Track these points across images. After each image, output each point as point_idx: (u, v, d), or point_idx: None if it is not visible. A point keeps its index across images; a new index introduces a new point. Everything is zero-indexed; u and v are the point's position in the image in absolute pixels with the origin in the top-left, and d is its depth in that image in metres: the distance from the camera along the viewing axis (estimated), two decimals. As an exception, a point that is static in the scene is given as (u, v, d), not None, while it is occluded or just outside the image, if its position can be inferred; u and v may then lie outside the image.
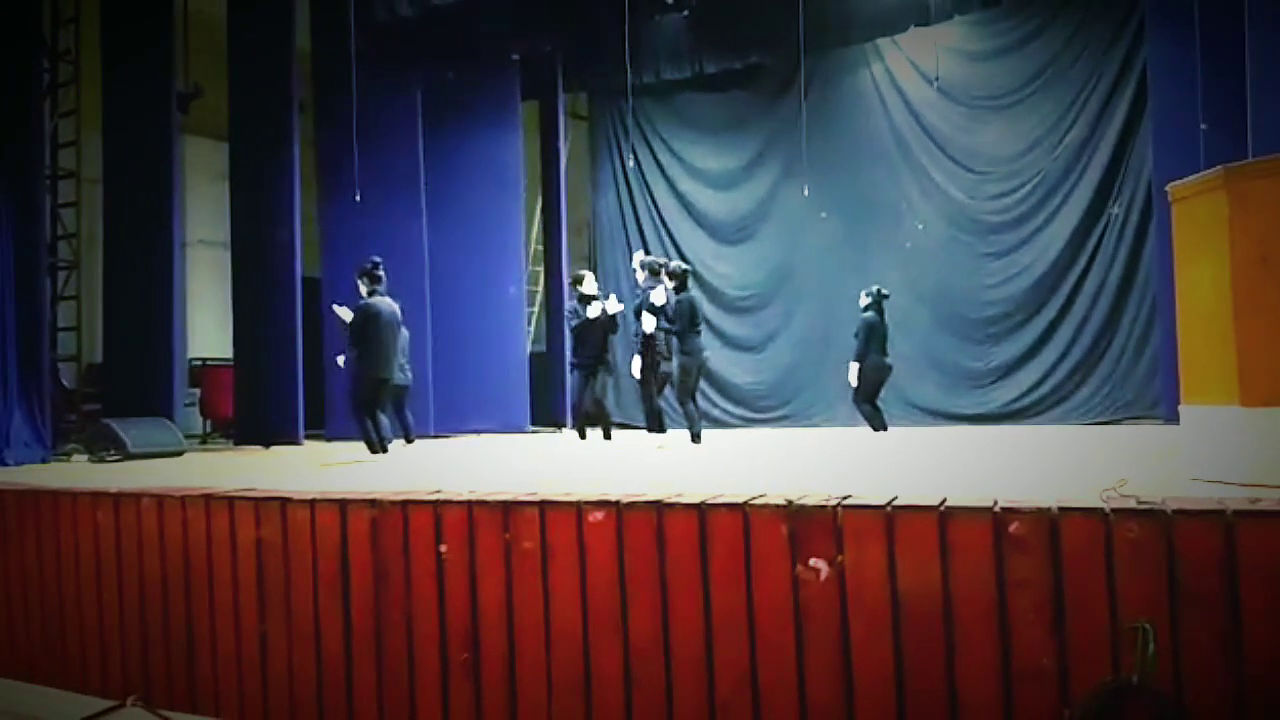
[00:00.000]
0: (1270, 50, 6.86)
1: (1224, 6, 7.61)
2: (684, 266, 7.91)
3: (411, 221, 10.56)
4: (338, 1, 9.63)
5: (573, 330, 8.13)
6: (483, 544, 3.46)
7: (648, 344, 7.77)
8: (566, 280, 11.81)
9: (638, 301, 7.98)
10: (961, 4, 10.29)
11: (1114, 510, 2.68)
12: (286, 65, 10.03)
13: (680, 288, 7.61)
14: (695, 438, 7.57)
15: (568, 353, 9.06)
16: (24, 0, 8.43)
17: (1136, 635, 2.56)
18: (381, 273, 7.30)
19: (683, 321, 7.49)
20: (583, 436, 8.30)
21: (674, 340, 7.64)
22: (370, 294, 7.23)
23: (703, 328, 7.97)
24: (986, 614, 2.75)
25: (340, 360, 7.54)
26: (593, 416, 8.29)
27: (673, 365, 7.77)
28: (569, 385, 8.45)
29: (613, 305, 8.02)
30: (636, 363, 7.85)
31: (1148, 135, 9.50)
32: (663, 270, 7.92)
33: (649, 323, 7.64)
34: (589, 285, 8.23)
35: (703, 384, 8.26)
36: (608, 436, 8.26)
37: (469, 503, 3.50)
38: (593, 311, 7.91)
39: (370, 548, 3.66)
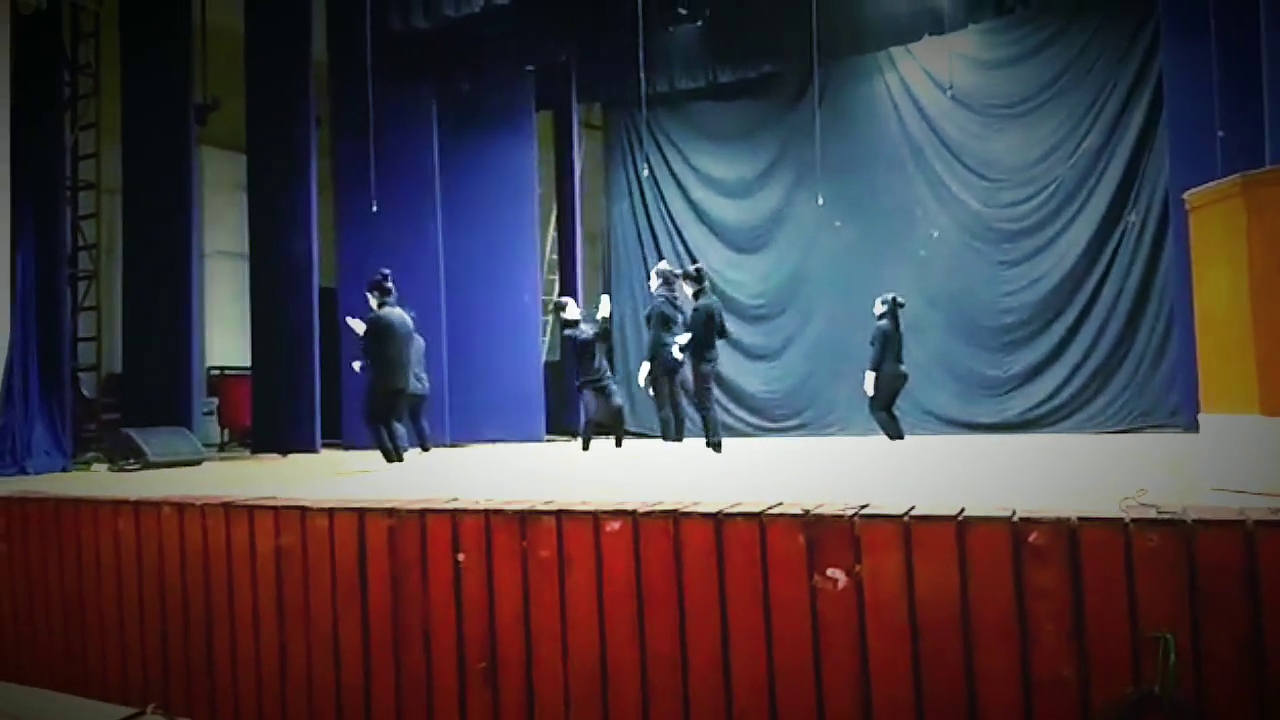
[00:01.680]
0: (1287, 56, 6.82)
1: (1239, 13, 7.57)
2: (698, 267, 7.85)
3: (427, 231, 10.61)
4: (354, 13, 9.71)
5: (575, 349, 8.22)
6: (500, 553, 3.47)
7: (658, 352, 7.51)
8: (580, 293, 11.88)
9: (649, 309, 7.94)
10: (975, 12, 10.27)
11: (1134, 520, 2.67)
12: (303, 77, 10.11)
13: (699, 293, 7.43)
14: (718, 446, 7.37)
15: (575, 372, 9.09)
16: (44, 15, 8.54)
17: (1157, 645, 2.55)
18: (390, 284, 7.32)
19: (702, 328, 7.24)
20: (585, 448, 8.15)
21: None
22: (380, 305, 7.25)
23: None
24: (1006, 624, 2.74)
25: (356, 366, 7.59)
26: (605, 427, 8.27)
27: (684, 373, 7.70)
28: (580, 403, 8.46)
29: (603, 308, 8.19)
30: (644, 370, 7.60)
31: (1164, 142, 9.44)
32: (679, 277, 7.78)
33: (668, 335, 7.59)
34: (571, 311, 8.41)
35: (716, 392, 8.17)
36: (619, 445, 8.25)
37: (486, 512, 3.51)
38: (604, 309, 8.11)
39: (388, 556, 3.67)
